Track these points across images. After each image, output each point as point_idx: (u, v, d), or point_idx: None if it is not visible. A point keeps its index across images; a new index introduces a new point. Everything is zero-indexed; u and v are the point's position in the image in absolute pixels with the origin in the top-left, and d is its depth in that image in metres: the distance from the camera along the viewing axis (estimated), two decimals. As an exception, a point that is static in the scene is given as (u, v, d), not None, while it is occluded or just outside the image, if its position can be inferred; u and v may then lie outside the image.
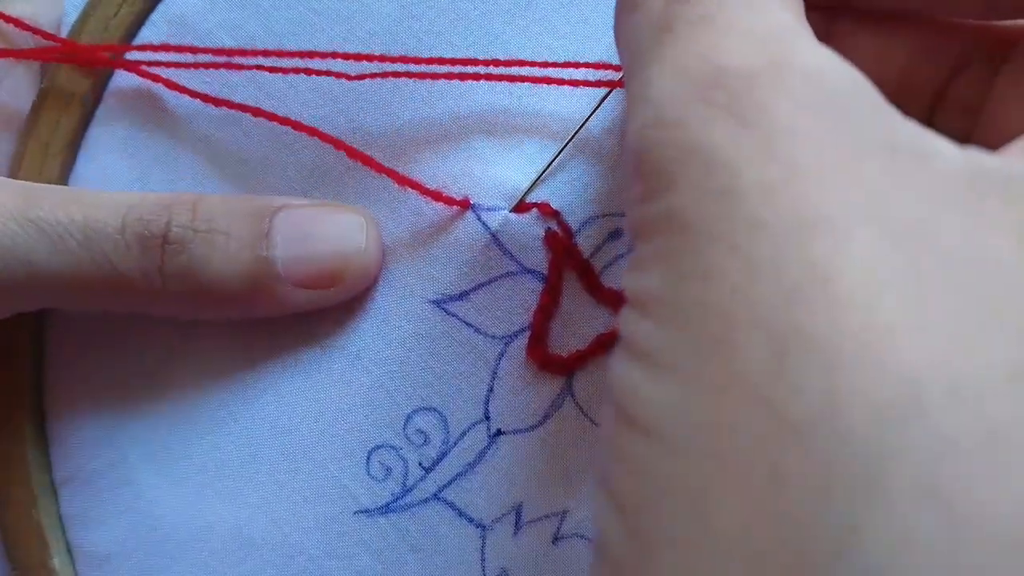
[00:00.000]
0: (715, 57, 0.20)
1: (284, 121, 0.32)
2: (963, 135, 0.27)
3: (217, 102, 0.32)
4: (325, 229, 0.31)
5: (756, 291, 0.18)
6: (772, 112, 0.19)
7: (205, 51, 0.32)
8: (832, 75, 0.20)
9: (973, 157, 0.20)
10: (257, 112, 0.32)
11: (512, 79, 0.31)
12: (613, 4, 0.24)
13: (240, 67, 0.32)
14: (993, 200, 0.19)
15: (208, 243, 0.30)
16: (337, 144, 0.31)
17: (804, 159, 0.19)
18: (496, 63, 0.31)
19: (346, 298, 0.32)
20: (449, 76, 0.31)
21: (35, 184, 0.31)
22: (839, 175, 0.19)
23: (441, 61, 0.31)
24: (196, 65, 0.32)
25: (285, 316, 0.32)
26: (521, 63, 0.31)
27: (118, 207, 0.30)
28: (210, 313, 0.31)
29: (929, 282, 0.18)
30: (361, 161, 0.31)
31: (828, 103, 0.20)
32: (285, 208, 0.31)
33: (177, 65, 0.32)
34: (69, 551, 0.33)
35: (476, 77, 0.31)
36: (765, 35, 0.21)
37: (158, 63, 0.33)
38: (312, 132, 0.32)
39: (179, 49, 0.32)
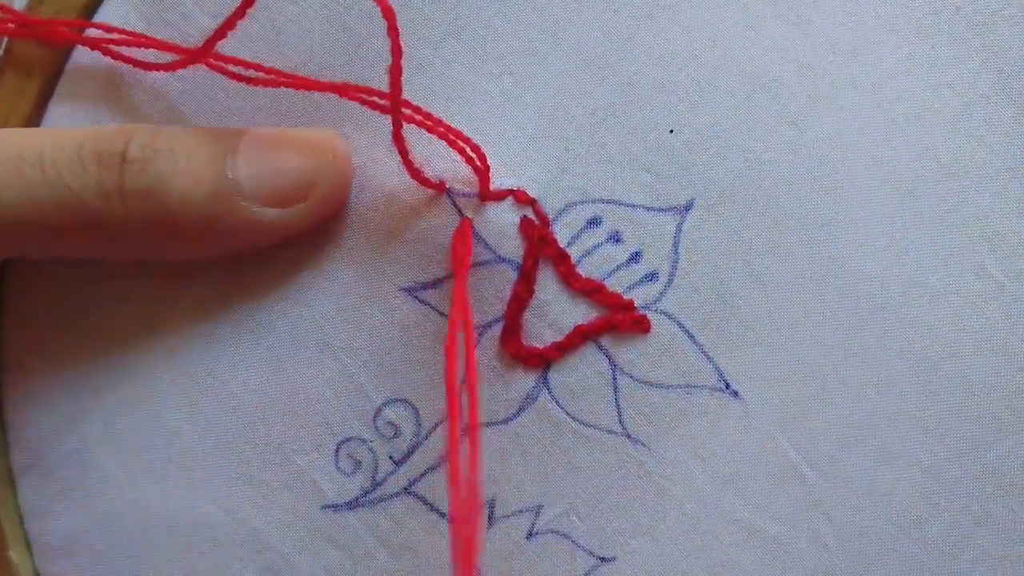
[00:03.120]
0: None
1: (268, 81, 0.30)
2: None
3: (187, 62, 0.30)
4: (291, 143, 0.29)
5: None
6: None
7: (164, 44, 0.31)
8: None
9: None
10: (232, 75, 0.30)
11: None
12: None
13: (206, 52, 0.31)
14: None
15: (170, 160, 0.28)
16: (333, 87, 0.30)
17: None
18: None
19: (319, 218, 0.30)
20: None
21: None
22: None
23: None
24: (160, 45, 0.31)
25: (252, 300, 0.31)
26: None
27: (75, 135, 0.29)
28: (178, 248, 0.30)
29: None
30: (356, 97, 0.30)
31: None
32: (250, 130, 0.30)
33: (139, 43, 0.31)
34: (27, 543, 0.32)
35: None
36: None
37: (120, 41, 0.31)
38: (302, 84, 0.30)
39: (138, 41, 0.31)
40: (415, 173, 0.30)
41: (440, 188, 0.30)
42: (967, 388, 0.29)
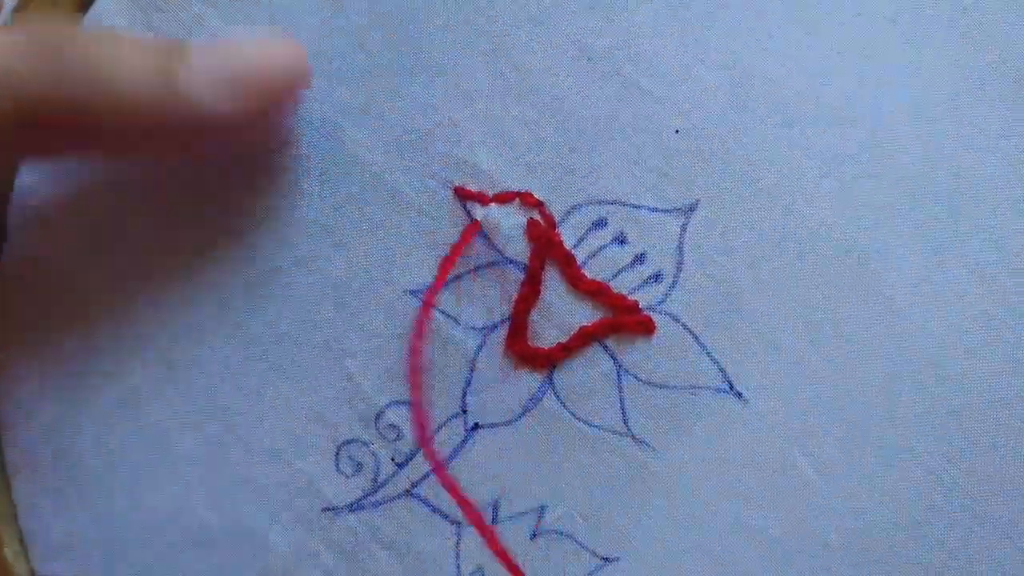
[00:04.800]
0: None
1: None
2: None
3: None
4: (241, 39, 0.29)
5: None
6: None
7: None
8: None
9: None
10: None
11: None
12: None
13: None
14: None
15: (115, 45, 0.27)
16: None
17: None
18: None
19: (269, 116, 0.29)
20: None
21: None
22: None
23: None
24: None
25: (250, 303, 0.30)
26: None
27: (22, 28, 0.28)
28: (125, 140, 0.28)
29: None
30: None
31: None
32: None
33: None
34: (22, 542, 0.31)
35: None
36: None
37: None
38: None
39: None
40: None
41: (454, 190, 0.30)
42: (970, 390, 0.30)
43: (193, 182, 0.31)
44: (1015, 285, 0.30)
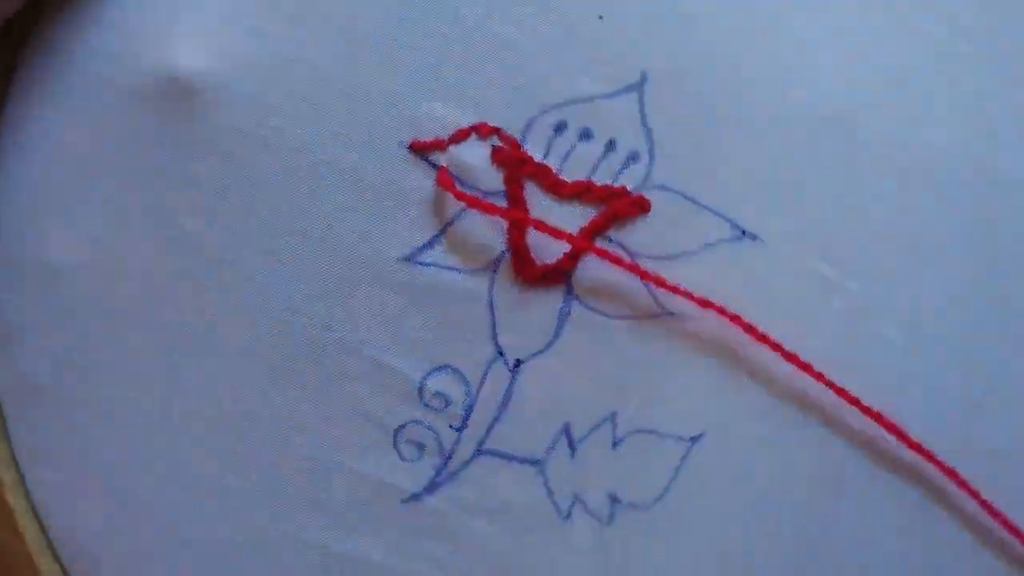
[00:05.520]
0: None
1: None
2: None
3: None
4: None
5: None
6: None
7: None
8: None
9: None
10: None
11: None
12: None
13: None
14: None
15: None
16: None
17: None
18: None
19: None
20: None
21: None
22: None
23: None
24: None
25: (249, 322, 0.29)
26: None
27: None
28: None
29: None
30: None
31: None
32: None
33: None
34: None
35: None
36: None
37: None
38: None
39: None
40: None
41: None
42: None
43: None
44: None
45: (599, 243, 0.30)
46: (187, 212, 0.29)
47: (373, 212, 0.30)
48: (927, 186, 0.31)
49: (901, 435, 0.30)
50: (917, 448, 0.30)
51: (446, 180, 0.29)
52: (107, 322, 0.29)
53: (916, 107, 0.31)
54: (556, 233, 0.29)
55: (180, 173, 0.29)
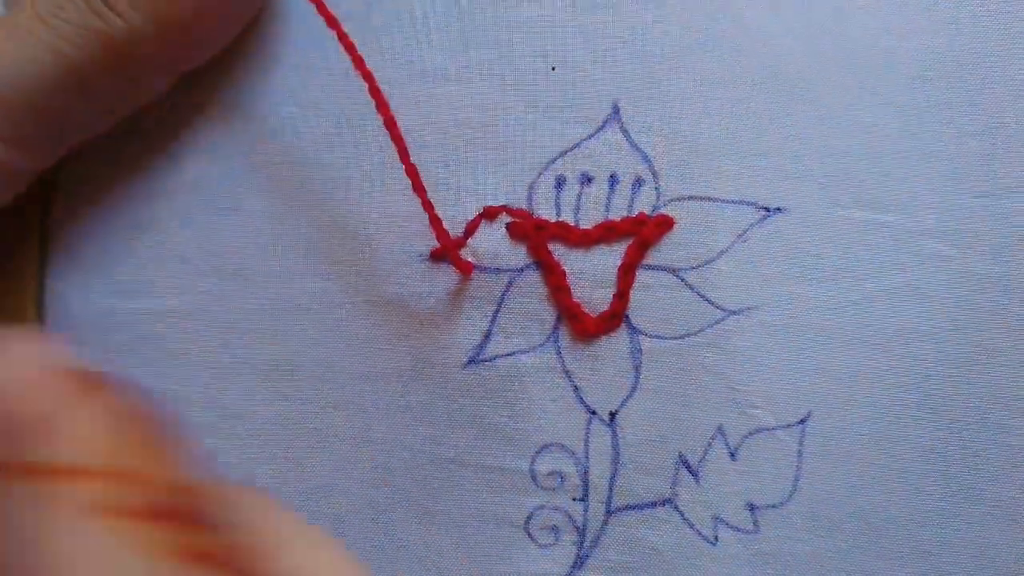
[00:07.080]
0: None
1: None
2: None
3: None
4: None
5: None
6: None
7: None
8: None
9: None
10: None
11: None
12: None
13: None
14: None
15: None
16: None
17: None
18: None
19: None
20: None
21: None
22: None
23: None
24: None
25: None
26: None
27: None
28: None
29: None
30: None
31: None
32: None
33: None
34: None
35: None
36: None
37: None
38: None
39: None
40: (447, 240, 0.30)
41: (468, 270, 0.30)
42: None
43: None
44: None
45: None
46: None
47: (429, 318, 0.30)
48: (929, 101, 0.31)
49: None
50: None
51: (466, 268, 0.30)
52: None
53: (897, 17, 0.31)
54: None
55: None
